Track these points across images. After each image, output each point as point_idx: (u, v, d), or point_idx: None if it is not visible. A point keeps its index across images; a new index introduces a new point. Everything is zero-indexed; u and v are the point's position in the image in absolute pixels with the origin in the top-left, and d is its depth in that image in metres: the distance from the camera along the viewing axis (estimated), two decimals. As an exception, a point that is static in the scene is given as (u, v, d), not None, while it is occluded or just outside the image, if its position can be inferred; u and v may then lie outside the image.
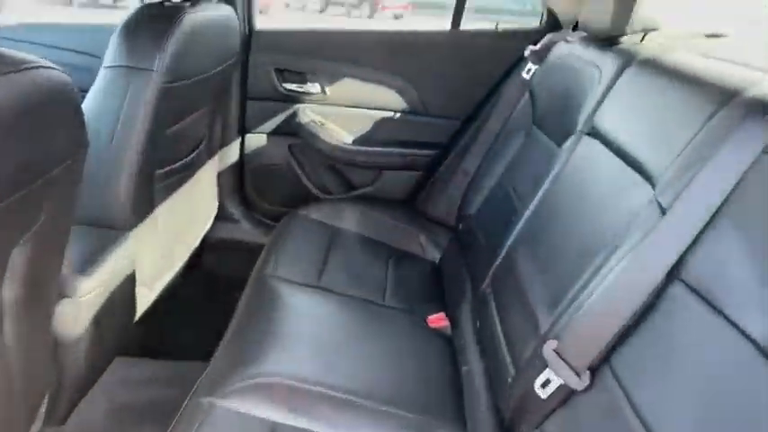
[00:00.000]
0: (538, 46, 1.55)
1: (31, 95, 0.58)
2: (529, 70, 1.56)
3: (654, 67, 1.02)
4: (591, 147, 1.06)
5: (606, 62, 1.13)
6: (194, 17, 1.18)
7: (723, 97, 0.75)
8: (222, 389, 0.91)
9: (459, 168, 1.68)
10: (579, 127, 1.13)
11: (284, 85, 1.75)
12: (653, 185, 0.80)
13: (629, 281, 0.68)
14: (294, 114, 1.76)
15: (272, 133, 1.79)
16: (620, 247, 0.76)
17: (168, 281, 1.40)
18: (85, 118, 0.70)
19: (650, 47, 1.12)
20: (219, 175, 1.74)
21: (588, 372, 0.70)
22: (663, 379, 0.60)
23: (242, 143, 1.79)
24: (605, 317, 0.69)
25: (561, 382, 0.72)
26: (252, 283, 1.28)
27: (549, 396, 0.75)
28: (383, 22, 11.49)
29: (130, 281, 1.15)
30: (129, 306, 1.19)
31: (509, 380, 0.89)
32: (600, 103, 1.09)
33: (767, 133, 0.62)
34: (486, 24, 1.81)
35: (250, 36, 1.70)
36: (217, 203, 1.75)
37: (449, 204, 1.66)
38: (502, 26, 1.75)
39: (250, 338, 1.05)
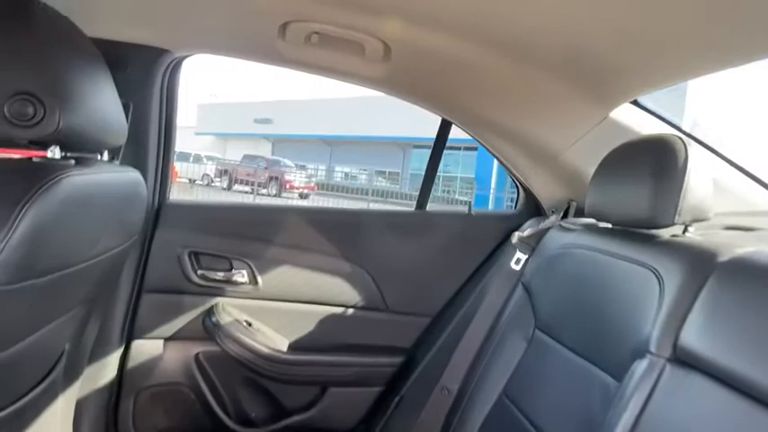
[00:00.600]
0: (526, 233, 1.32)
1: None
2: (518, 260, 1.30)
3: (744, 269, 0.78)
4: (684, 379, 0.75)
5: (666, 263, 0.86)
6: (77, 181, 0.75)
7: None
8: None
9: (436, 384, 1.30)
10: (652, 349, 0.80)
11: (199, 272, 1.32)
12: None
13: None
14: (210, 312, 1.35)
15: (172, 338, 1.34)
16: None
17: None
18: None
19: (720, 242, 0.88)
20: (81, 405, 1.16)
21: None
22: None
23: (124, 354, 1.27)
24: None
25: None
26: None
27: None
28: (290, 201, 11.84)
29: None
30: None
31: None
32: (673, 317, 0.80)
33: None
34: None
35: (159, 210, 1.30)
36: None
37: None
38: (476, 209, 1.55)
39: None
